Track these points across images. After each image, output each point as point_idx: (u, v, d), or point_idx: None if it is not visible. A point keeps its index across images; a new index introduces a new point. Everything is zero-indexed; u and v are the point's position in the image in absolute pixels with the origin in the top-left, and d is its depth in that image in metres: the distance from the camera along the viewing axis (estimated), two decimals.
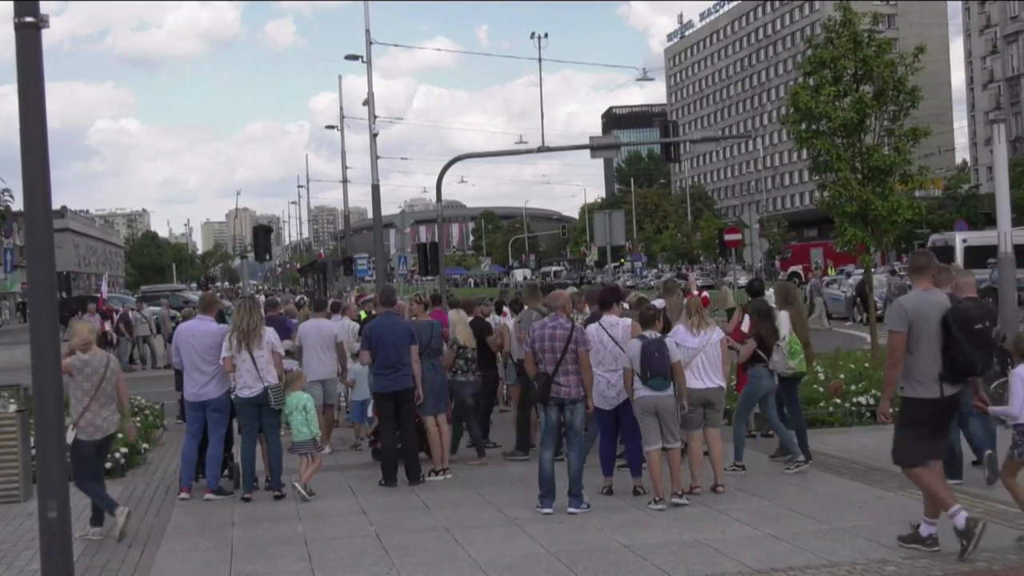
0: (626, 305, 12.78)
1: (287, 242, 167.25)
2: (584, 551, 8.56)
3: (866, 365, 17.32)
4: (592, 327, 10.81)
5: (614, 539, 8.90)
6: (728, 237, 44.32)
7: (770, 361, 11.62)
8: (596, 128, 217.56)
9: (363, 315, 17.48)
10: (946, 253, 40.58)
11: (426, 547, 8.95)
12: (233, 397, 11.45)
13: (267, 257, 28.43)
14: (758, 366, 11.71)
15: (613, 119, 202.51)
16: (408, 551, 8.83)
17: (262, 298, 24.61)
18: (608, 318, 10.83)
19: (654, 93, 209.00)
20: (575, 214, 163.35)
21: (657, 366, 9.94)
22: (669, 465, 10.14)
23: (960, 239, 41.00)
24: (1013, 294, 16.21)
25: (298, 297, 35.21)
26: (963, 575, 7.48)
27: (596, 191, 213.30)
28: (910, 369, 8.06)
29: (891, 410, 8.36)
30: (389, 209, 58.68)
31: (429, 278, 47.39)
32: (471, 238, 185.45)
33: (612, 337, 10.59)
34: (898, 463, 8.33)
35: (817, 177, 18.53)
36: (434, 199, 32.50)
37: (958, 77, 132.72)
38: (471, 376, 13.12)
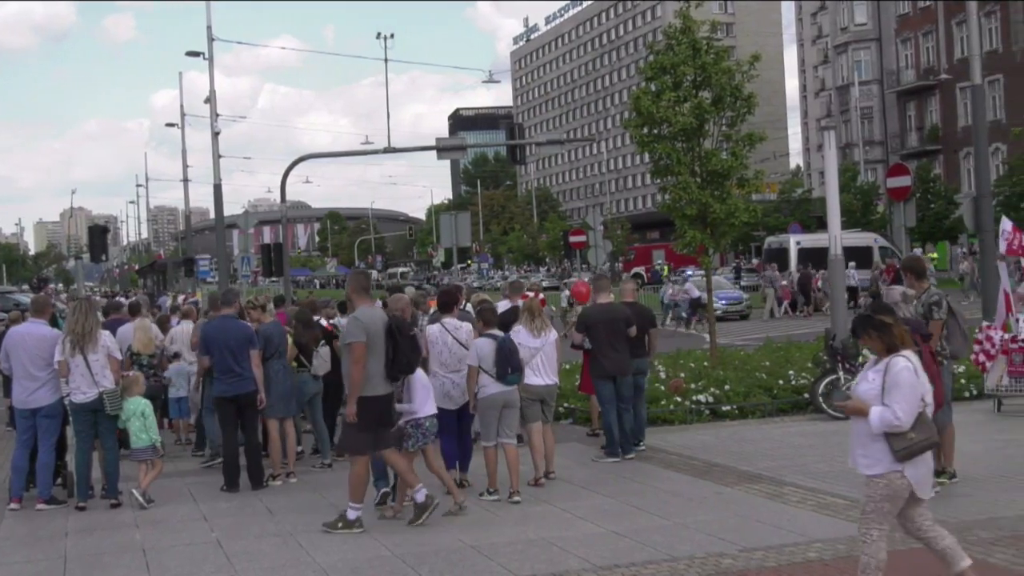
0: (469, 307, 12.92)
1: (125, 243, 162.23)
2: (430, 552, 8.56)
3: (705, 364, 17.78)
4: (435, 328, 10.98)
5: (459, 539, 8.92)
6: (573, 239, 44.94)
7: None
8: (443, 129, 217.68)
9: None
10: (781, 255, 42.07)
11: (269, 553, 8.81)
12: (67, 402, 11.06)
13: (103, 258, 27.57)
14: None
15: (460, 121, 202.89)
16: (251, 557, 8.68)
17: (107, 299, 23.78)
18: (450, 320, 11.02)
19: (501, 95, 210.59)
20: (422, 215, 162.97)
21: (516, 363, 10.35)
22: (508, 463, 10.35)
23: (794, 241, 42.53)
24: (843, 295, 16.86)
25: (133, 298, 34.15)
26: (796, 566, 7.74)
27: (443, 192, 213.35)
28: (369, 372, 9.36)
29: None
30: (232, 209, 57.54)
31: (274, 279, 46.67)
32: (316, 239, 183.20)
33: (456, 339, 10.78)
34: (346, 451, 9.77)
35: (658, 180, 18.87)
36: (278, 199, 32.01)
37: (792, 85, 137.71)
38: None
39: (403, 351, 9.39)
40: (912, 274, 10.80)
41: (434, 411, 10.04)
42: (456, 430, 11.04)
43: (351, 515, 9.38)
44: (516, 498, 10.26)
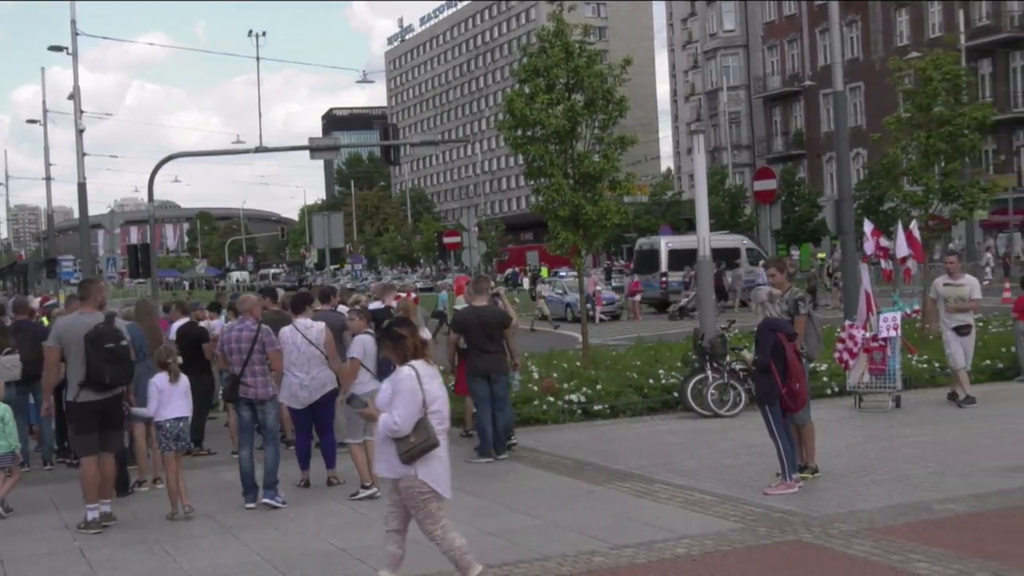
0: (343, 308, 12.92)
1: None
2: (300, 556, 8.46)
3: (577, 364, 17.94)
4: (286, 329, 11.13)
5: (330, 543, 8.84)
6: (447, 240, 44.96)
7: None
8: (316, 129, 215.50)
9: (45, 320, 16.29)
10: (652, 256, 42.68)
11: (134, 560, 8.59)
12: None
13: None
14: None
15: (334, 120, 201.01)
16: (115, 565, 8.46)
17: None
18: (302, 321, 11.18)
19: (375, 95, 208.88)
20: (295, 215, 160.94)
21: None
22: (370, 459, 10.36)
23: (664, 243, 43.14)
24: (711, 295, 17.20)
25: None
26: (665, 562, 7.86)
27: (316, 193, 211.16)
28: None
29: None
30: (98, 209, 56.10)
31: (141, 281, 45.60)
32: (186, 240, 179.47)
33: (307, 339, 10.95)
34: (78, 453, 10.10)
35: (532, 182, 18.96)
36: (146, 199, 31.25)
37: (663, 89, 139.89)
38: None
39: (94, 361, 9.60)
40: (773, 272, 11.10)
41: (180, 414, 10.16)
42: (310, 429, 11.26)
43: (88, 516, 9.59)
44: (377, 492, 10.28)
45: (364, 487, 10.50)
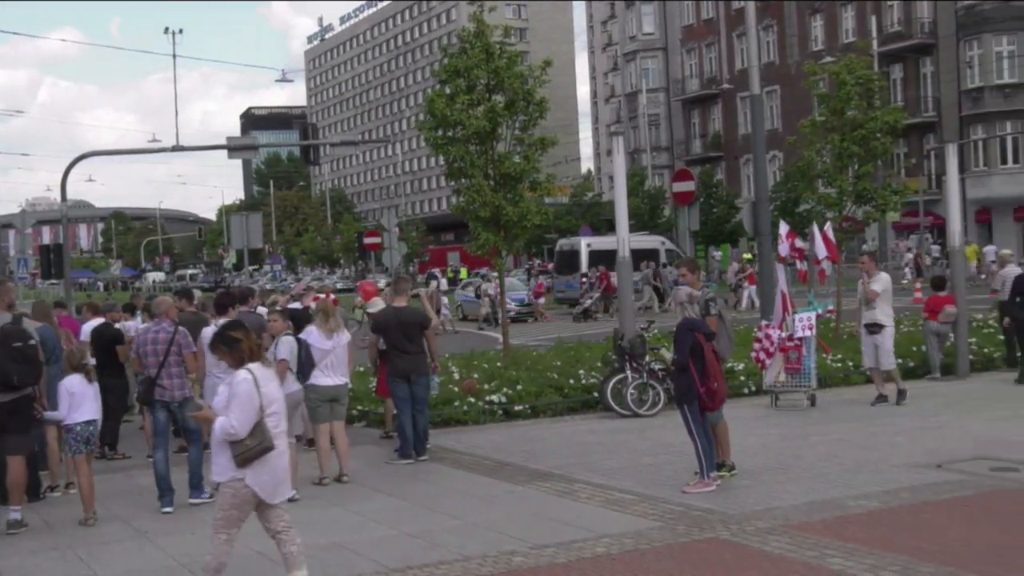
0: (263, 309, 12.83)
1: None
2: None
3: (498, 364, 17.97)
4: (208, 330, 10.95)
5: (249, 547, 8.69)
6: (368, 240, 44.72)
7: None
8: (235, 128, 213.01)
9: None
10: (573, 257, 42.92)
11: (46, 568, 8.41)
12: None
13: None
14: None
15: (252, 119, 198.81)
16: (26, 572, 8.28)
17: None
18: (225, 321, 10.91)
19: (295, 95, 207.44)
20: (213, 216, 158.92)
21: (311, 364, 10.71)
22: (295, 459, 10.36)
23: (585, 244, 43.40)
24: (630, 295, 17.33)
25: None
26: (584, 561, 7.90)
27: (235, 193, 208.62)
28: None
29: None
30: (8, 208, 54.93)
31: (53, 282, 44.69)
32: (100, 240, 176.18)
33: None
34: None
35: (452, 183, 18.97)
36: (59, 198, 30.60)
37: (584, 91, 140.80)
38: None
39: (1, 360, 9.59)
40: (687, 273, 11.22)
41: (90, 417, 10.03)
42: None
43: (10, 516, 9.62)
44: (295, 496, 10.17)
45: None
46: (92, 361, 11.99)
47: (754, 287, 33.09)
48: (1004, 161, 55.04)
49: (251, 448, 6.85)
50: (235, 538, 7.06)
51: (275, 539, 7.22)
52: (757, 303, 28.89)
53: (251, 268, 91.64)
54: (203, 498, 10.33)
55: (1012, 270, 17.66)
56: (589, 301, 36.66)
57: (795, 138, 23.55)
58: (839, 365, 17.29)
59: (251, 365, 7.02)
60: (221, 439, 6.88)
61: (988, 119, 54.85)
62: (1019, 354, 16.91)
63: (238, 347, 7.04)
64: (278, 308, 12.24)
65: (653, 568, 7.64)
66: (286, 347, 10.54)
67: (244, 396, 6.86)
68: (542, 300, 39.54)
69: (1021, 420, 13.06)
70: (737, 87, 65.65)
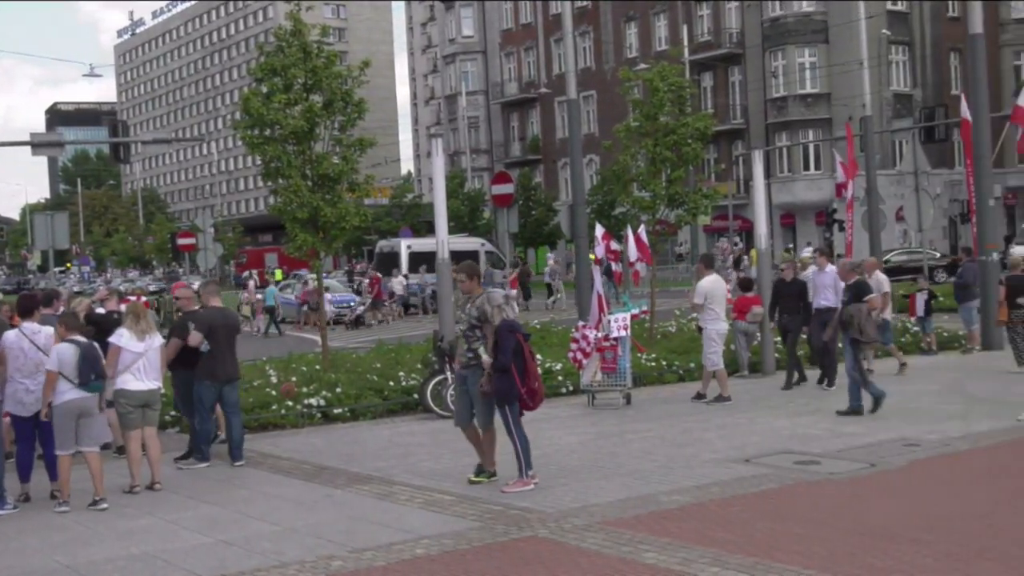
0: (55, 311, 12.48)
1: None
2: (21, 575, 7.99)
3: (317, 367, 17.76)
4: (12, 333, 10.62)
5: (55, 560, 8.38)
6: (181, 241, 43.65)
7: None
8: (39, 124, 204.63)
9: None
10: (392, 259, 42.81)
11: None
12: None
13: None
14: None
15: (58, 115, 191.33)
16: None
17: None
18: (29, 325, 10.70)
19: (104, 90, 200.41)
20: (16, 215, 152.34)
21: (100, 369, 10.25)
22: (91, 472, 10.15)
23: (405, 245, 43.35)
24: (450, 296, 17.37)
25: None
26: (404, 563, 7.88)
27: (40, 191, 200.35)
28: None
29: None
30: None
31: None
32: None
33: (35, 344, 10.52)
34: None
35: (269, 183, 18.67)
36: None
37: (403, 92, 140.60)
38: None
39: None
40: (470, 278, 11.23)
41: None
42: (33, 439, 10.75)
43: None
44: (103, 505, 10.03)
45: (62, 504, 10.13)
46: None
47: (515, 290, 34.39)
48: (807, 167, 57.61)
49: None
50: None
51: None
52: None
53: (57, 270, 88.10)
54: (6, 509, 10.01)
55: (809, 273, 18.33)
56: (362, 307, 36.09)
57: (611, 143, 24.03)
58: (653, 364, 17.74)
59: None
60: None
61: (792, 127, 57.33)
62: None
63: None
64: (75, 312, 11.70)
65: (472, 568, 7.67)
66: (54, 356, 10.11)
67: None
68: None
69: (821, 415, 13.66)
70: (555, 91, 66.63)
